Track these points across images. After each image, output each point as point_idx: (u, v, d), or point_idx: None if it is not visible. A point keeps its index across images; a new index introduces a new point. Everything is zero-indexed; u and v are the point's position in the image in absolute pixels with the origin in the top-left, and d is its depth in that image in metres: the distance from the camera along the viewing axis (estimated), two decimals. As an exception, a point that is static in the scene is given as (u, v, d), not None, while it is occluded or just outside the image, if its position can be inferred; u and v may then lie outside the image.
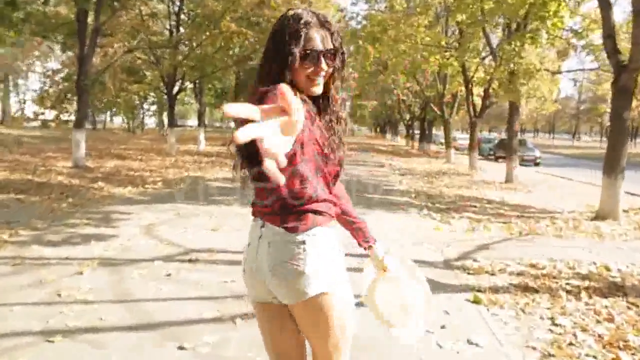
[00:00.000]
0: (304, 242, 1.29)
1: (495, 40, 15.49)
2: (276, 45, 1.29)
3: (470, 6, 11.45)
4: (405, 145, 37.80)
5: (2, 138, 18.89)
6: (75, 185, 9.34)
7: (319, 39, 1.29)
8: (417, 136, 39.28)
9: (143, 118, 40.90)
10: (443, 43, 17.30)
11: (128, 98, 18.61)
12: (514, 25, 12.03)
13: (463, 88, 19.47)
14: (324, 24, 1.31)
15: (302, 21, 1.28)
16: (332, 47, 1.31)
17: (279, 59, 1.28)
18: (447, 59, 17.92)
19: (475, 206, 8.45)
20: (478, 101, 18.94)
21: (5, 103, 33.08)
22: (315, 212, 1.32)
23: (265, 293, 1.37)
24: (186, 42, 15.47)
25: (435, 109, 21.85)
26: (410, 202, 8.64)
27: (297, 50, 1.25)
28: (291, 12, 1.32)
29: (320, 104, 1.38)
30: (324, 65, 1.29)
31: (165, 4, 16.92)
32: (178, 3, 16.64)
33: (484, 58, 16.33)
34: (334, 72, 1.35)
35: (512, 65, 11.07)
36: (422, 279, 1.66)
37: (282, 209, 1.31)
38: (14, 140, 18.40)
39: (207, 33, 14.72)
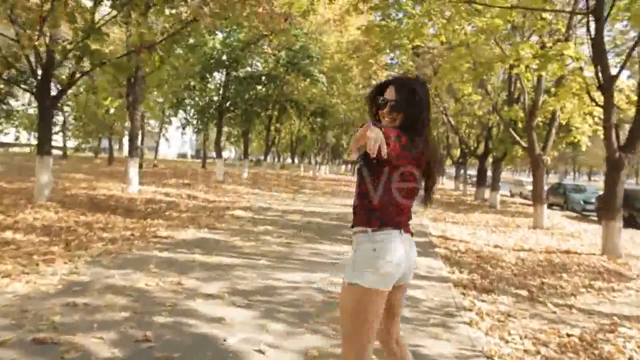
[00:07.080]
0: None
1: None
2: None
3: None
4: (453, 189, 28.87)
5: None
6: None
7: (387, 93, 2.01)
8: (472, 178, 30.42)
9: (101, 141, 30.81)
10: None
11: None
12: None
13: (576, 99, 10.89)
14: (392, 82, 2.04)
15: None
16: (390, 98, 1.99)
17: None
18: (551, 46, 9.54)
19: None
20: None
21: None
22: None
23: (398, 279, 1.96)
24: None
25: (519, 139, 12.91)
26: None
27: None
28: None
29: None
30: (386, 109, 1.99)
31: None
32: None
33: None
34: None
35: None
36: None
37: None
38: None
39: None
